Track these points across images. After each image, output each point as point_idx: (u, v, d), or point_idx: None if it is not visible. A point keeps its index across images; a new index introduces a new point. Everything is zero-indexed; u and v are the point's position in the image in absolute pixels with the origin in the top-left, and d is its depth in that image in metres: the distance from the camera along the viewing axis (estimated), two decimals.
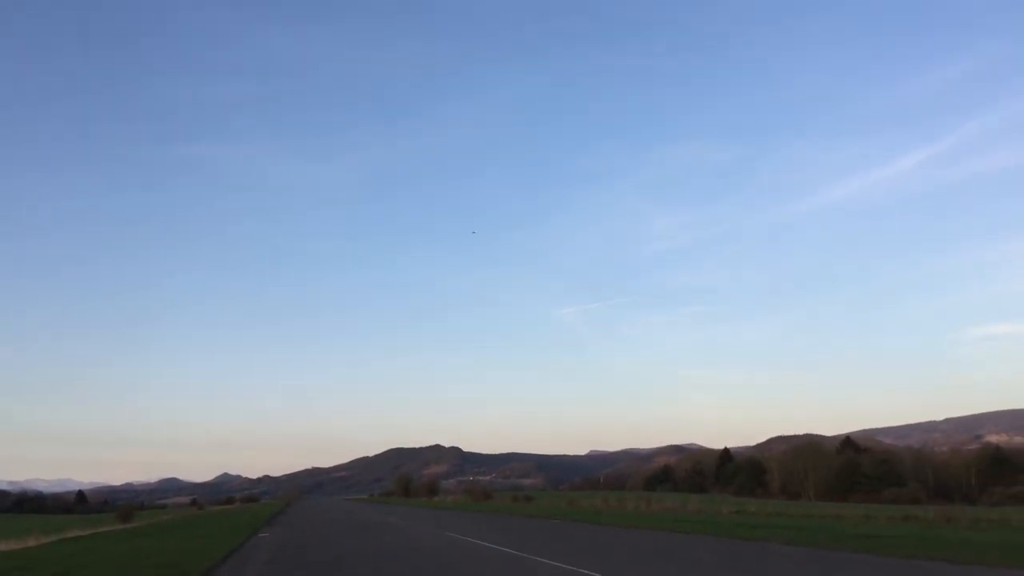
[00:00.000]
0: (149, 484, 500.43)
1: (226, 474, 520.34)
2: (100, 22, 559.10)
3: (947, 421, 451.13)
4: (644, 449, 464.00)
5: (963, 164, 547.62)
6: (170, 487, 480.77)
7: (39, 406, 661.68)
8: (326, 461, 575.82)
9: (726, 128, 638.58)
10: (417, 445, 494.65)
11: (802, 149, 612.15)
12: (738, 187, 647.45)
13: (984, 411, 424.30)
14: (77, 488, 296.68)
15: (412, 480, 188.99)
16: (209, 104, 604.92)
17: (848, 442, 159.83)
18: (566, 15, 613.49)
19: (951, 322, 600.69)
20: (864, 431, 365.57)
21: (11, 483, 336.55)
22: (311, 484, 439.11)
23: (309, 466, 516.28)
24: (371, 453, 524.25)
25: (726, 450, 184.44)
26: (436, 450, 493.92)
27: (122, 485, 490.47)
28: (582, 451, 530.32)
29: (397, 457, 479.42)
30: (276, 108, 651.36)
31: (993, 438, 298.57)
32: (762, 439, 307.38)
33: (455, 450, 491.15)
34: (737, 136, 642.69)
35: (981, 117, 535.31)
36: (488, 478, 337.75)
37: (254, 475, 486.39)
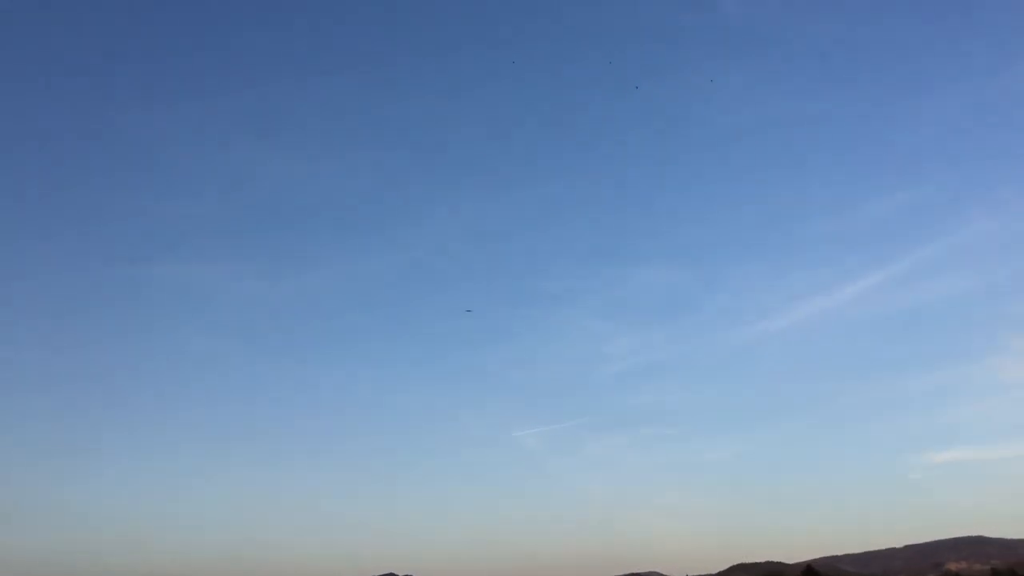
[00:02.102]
0: None
1: None
2: (57, 137, 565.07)
3: (907, 548, 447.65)
4: None
5: (913, 291, 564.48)
6: None
7: None
8: None
9: (682, 252, 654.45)
10: None
11: (757, 273, 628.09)
12: (694, 310, 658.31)
13: (943, 538, 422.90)
14: None
15: None
16: (167, 222, 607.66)
17: (809, 571, 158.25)
18: (526, 140, 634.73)
19: (909, 447, 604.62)
20: (825, 558, 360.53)
21: None
22: None
23: None
24: None
25: None
26: None
27: None
28: None
29: None
30: (234, 227, 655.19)
31: (953, 566, 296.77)
32: (724, 566, 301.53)
33: None
34: (693, 260, 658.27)
35: (931, 244, 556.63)
36: None
37: None
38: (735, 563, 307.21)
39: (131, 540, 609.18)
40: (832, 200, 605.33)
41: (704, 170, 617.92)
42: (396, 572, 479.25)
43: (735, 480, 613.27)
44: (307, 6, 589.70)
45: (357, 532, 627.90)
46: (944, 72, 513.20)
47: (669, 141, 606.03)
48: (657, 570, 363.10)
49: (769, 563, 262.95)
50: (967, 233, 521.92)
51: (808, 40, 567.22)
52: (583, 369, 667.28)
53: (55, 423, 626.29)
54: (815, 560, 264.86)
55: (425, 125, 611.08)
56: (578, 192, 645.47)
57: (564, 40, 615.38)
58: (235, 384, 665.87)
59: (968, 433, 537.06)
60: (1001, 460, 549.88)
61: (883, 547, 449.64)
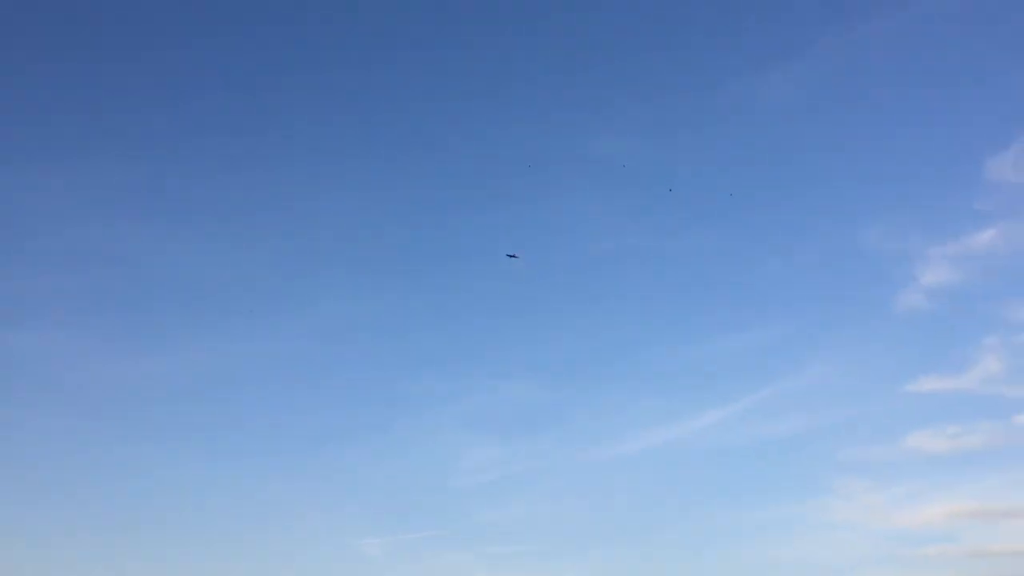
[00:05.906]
0: None
1: None
2: None
3: None
4: None
5: (754, 428, 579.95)
6: None
7: None
8: None
9: (544, 370, 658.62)
10: None
11: (612, 398, 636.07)
12: (551, 427, 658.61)
13: None
14: None
15: None
16: (20, 291, 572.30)
17: None
18: (400, 241, 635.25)
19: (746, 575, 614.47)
20: None
21: None
22: None
23: None
24: None
25: None
26: None
27: None
28: None
29: None
30: (96, 302, 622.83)
31: None
32: None
33: None
34: (553, 378, 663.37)
35: (772, 384, 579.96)
36: None
37: None
38: None
39: None
40: (683, 334, 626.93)
41: (568, 294, 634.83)
42: None
43: None
44: (202, 82, 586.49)
45: None
46: (797, 221, 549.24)
47: (537, 263, 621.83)
48: None
49: None
50: (805, 376, 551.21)
51: (674, 179, 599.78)
52: (437, 479, 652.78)
53: None
54: None
55: (303, 215, 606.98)
56: (447, 300, 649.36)
57: (440, 159, 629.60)
58: (82, 467, 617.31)
59: (801, 569, 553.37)
60: None
61: None
